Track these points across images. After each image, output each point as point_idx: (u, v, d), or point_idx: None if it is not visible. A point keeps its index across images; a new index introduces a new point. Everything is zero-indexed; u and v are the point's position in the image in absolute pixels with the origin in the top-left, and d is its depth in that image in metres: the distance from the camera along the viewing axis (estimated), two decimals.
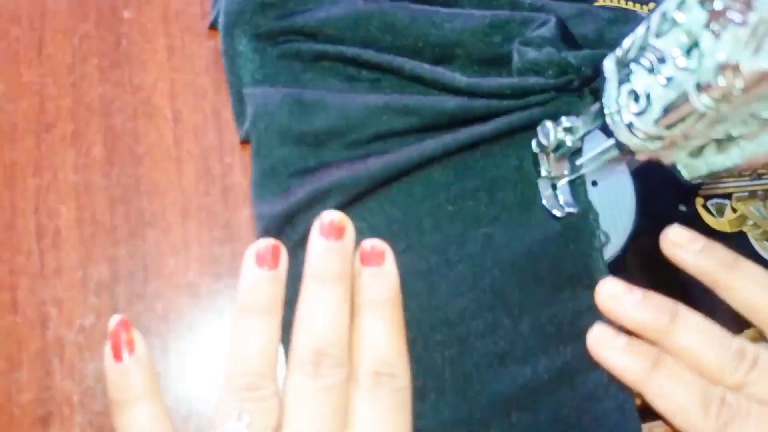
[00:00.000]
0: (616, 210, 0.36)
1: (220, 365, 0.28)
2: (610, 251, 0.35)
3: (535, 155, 0.34)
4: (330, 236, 0.26)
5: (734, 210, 0.37)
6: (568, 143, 0.32)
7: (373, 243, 0.27)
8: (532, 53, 0.33)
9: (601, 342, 0.29)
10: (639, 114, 0.24)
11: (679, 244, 0.31)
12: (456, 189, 0.32)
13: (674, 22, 0.22)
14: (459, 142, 0.30)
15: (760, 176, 0.38)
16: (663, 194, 0.37)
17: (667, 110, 0.23)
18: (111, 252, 0.29)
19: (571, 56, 0.34)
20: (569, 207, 0.34)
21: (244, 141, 0.29)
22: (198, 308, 0.29)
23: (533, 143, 0.34)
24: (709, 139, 0.23)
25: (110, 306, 0.28)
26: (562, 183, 0.34)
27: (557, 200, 0.34)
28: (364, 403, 0.25)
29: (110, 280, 0.28)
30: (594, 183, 0.36)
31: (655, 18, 0.23)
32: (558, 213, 0.33)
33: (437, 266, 0.31)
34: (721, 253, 0.30)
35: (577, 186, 0.34)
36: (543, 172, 0.34)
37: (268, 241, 0.26)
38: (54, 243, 0.28)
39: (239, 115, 0.31)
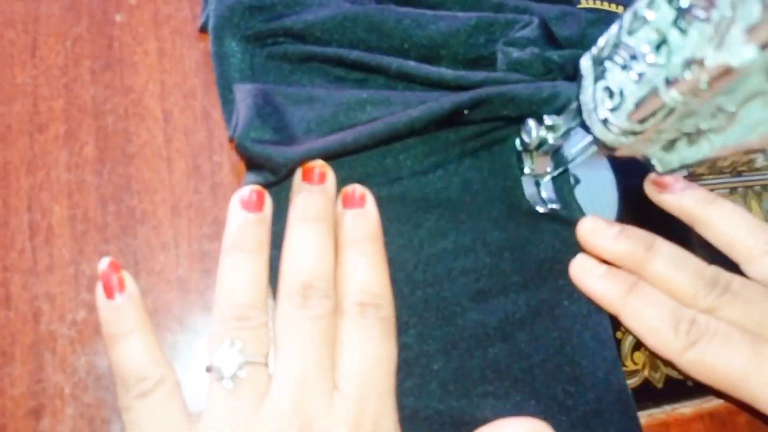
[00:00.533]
0: (599, 206, 0.36)
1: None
2: None
3: (518, 153, 0.35)
4: (312, 181, 0.28)
5: None
6: (550, 141, 0.33)
7: (354, 187, 0.29)
8: (516, 53, 0.34)
9: (582, 269, 0.32)
10: (613, 110, 0.25)
11: (663, 184, 0.34)
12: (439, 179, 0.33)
13: (645, 20, 0.23)
14: (443, 110, 0.31)
15: (739, 173, 0.39)
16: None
17: (638, 105, 0.24)
18: (102, 248, 0.29)
19: (555, 55, 0.34)
20: (552, 203, 0.34)
21: (233, 139, 0.29)
22: (188, 303, 0.29)
23: (516, 141, 0.35)
24: (680, 133, 0.24)
25: None
26: (546, 180, 0.35)
27: (541, 197, 0.35)
28: (352, 332, 0.26)
29: None
30: (577, 180, 0.37)
31: (627, 16, 0.24)
32: (541, 209, 0.34)
33: (419, 210, 0.32)
34: (700, 192, 0.33)
35: (561, 182, 0.35)
36: (526, 170, 0.35)
37: (253, 187, 0.28)
38: (47, 240, 0.29)
39: (228, 113, 0.31)
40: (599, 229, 0.32)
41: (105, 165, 0.30)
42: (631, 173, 0.38)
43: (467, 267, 0.31)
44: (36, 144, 0.30)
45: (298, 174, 0.29)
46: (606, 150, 0.27)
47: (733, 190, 0.39)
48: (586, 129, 0.28)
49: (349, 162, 0.31)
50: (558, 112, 0.32)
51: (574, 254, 0.33)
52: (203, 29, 0.33)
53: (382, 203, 0.30)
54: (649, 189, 0.34)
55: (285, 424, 0.24)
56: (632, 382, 0.33)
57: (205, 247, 0.30)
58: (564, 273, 0.33)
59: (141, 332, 0.25)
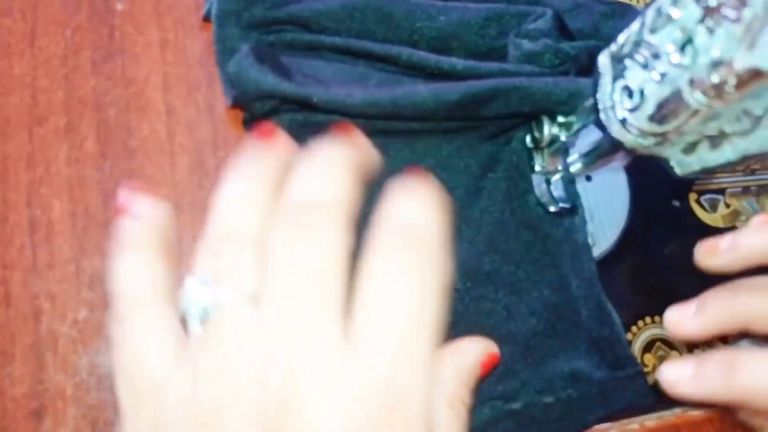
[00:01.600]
0: (609, 205, 0.36)
1: None
2: (603, 246, 0.35)
3: (529, 150, 0.34)
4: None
5: (727, 205, 0.37)
6: (563, 138, 0.32)
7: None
8: (527, 44, 0.33)
9: (672, 384, 0.28)
10: (633, 110, 0.24)
11: (712, 248, 0.30)
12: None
13: (669, 18, 0.22)
14: (453, 95, 0.30)
15: (753, 172, 0.39)
16: (657, 190, 0.37)
17: (660, 106, 0.23)
18: (104, 245, 0.29)
19: (568, 46, 0.34)
20: (563, 202, 0.34)
21: (234, 107, 0.29)
22: None
23: (527, 138, 0.34)
24: (701, 136, 0.24)
25: (103, 299, 0.28)
26: (556, 178, 0.34)
27: (551, 195, 0.34)
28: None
29: (103, 273, 0.28)
30: (588, 178, 0.36)
31: (650, 13, 0.23)
32: (552, 208, 0.33)
33: None
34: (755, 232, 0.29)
35: (568, 182, 0.34)
36: (537, 167, 0.34)
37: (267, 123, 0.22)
38: (47, 236, 0.28)
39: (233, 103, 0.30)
40: (678, 316, 0.29)
41: (106, 159, 0.30)
42: (642, 172, 0.37)
43: (471, 257, 0.31)
44: (35, 137, 0.29)
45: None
46: (622, 151, 0.27)
47: (746, 189, 0.38)
48: (602, 128, 0.28)
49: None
50: (574, 109, 0.31)
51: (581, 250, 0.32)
52: (206, 18, 0.32)
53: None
54: (704, 261, 0.30)
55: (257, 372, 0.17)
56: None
57: None
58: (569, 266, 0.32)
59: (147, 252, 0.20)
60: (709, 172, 0.24)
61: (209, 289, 0.18)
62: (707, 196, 0.37)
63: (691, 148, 0.24)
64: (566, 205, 0.33)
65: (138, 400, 0.18)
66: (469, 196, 0.33)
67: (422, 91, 0.29)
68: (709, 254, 0.29)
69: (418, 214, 0.19)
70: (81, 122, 0.30)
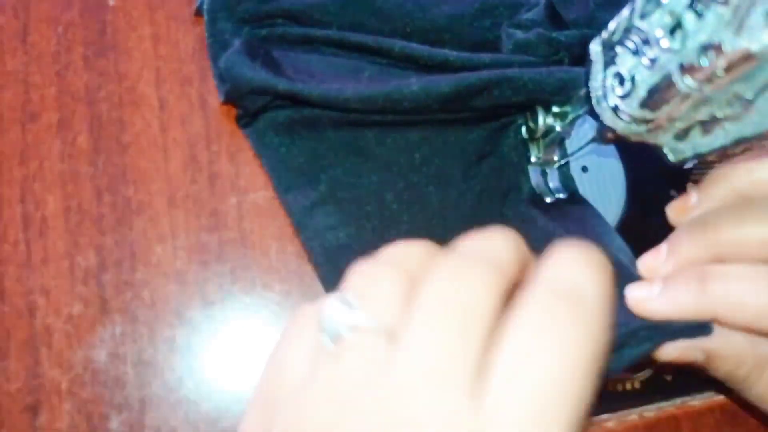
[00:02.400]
0: (606, 195, 0.36)
1: (207, 352, 0.28)
2: None
3: (524, 141, 0.34)
4: None
5: None
6: (558, 128, 0.32)
7: None
8: (520, 35, 0.33)
9: (641, 298, 0.25)
10: (624, 97, 0.24)
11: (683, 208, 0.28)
12: (433, 164, 0.32)
13: (658, 3, 0.22)
14: (446, 87, 0.30)
15: None
16: (653, 179, 0.37)
17: (651, 92, 0.23)
18: (98, 240, 0.29)
19: (561, 35, 0.33)
20: (559, 193, 0.33)
21: (226, 103, 0.29)
22: (185, 295, 0.29)
23: (522, 129, 0.34)
24: (694, 122, 0.23)
25: (97, 294, 0.28)
26: (552, 169, 0.34)
27: (547, 186, 0.34)
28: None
29: (97, 268, 0.28)
30: (584, 168, 0.36)
31: None
32: (548, 199, 0.33)
33: (418, 195, 0.32)
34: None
35: (565, 172, 0.34)
36: (533, 159, 0.34)
37: None
38: (41, 232, 0.28)
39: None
40: (643, 295, 0.25)
41: (99, 155, 0.30)
42: (639, 162, 0.37)
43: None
44: (28, 133, 0.30)
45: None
46: (615, 138, 0.26)
47: None
48: (595, 117, 0.28)
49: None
50: (569, 99, 0.31)
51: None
52: (199, 13, 0.32)
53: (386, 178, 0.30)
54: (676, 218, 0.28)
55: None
56: (642, 374, 0.33)
57: (204, 239, 0.30)
58: None
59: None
60: (701, 156, 0.24)
61: (351, 311, 0.17)
62: None
63: (683, 134, 0.24)
64: (562, 196, 0.33)
65: (271, 397, 0.18)
66: (463, 184, 0.33)
67: (414, 84, 0.29)
68: (680, 212, 0.28)
69: (586, 279, 0.17)
70: (74, 118, 0.30)
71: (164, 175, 0.30)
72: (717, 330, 0.24)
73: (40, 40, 0.31)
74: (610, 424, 0.31)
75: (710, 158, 0.23)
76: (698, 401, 0.33)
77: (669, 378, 0.33)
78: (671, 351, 0.25)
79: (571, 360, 0.15)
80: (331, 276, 0.29)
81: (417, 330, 0.16)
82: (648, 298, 0.25)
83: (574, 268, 0.17)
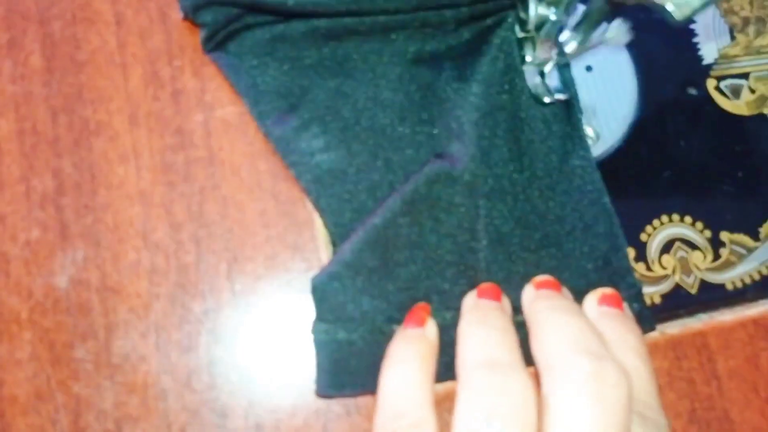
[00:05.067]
0: (615, 97, 0.32)
1: (176, 275, 0.26)
2: (609, 141, 0.31)
3: (519, 41, 0.31)
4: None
5: (752, 90, 0.33)
6: (552, 18, 0.29)
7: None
8: None
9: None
10: None
11: None
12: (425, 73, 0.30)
13: None
14: None
15: None
16: (669, 77, 0.33)
17: None
18: (55, 163, 0.27)
19: None
20: (559, 93, 0.30)
21: (187, 18, 0.26)
22: (151, 218, 0.26)
23: (516, 28, 0.31)
24: None
25: (56, 219, 0.26)
26: (549, 68, 0.30)
27: (546, 86, 0.30)
28: None
29: (55, 192, 0.26)
30: (588, 68, 0.32)
31: None
32: (547, 99, 0.30)
33: (412, 100, 0.29)
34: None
35: (564, 70, 0.31)
36: (528, 58, 0.31)
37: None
38: None
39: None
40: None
41: (53, 74, 0.28)
42: (651, 59, 0.33)
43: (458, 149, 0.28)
44: None
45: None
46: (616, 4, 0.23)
47: None
48: None
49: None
50: None
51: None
52: None
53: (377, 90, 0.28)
54: None
55: None
56: (661, 288, 0.29)
57: (169, 159, 0.27)
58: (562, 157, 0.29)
59: (419, 364, 0.23)
60: (710, 3, 0.21)
61: None
62: (728, 81, 0.33)
63: None
64: (562, 96, 0.30)
65: None
66: (456, 95, 0.30)
67: None
68: None
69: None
70: (25, 37, 0.28)
71: (124, 94, 0.28)
72: None
73: None
74: None
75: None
76: (727, 316, 0.29)
77: (693, 291, 0.29)
78: None
79: None
80: (323, 199, 0.27)
81: None
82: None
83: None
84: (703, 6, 0.21)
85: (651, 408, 0.22)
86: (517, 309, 0.26)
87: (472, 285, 0.27)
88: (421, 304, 0.26)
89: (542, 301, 0.25)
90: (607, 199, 0.29)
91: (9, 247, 0.26)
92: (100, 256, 0.26)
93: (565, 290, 0.27)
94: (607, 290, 0.26)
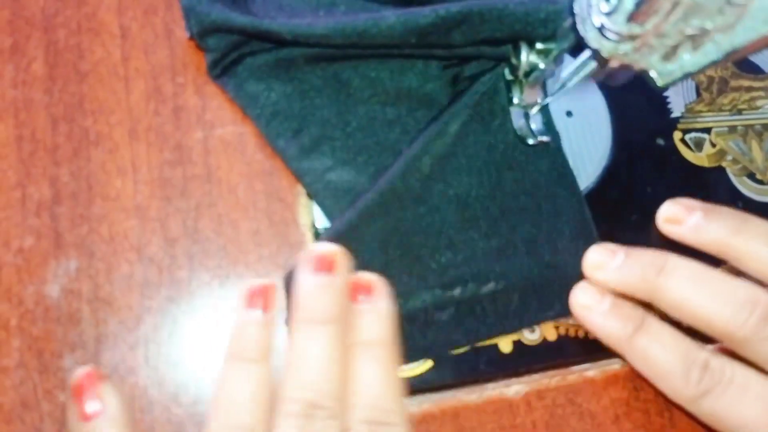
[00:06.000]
0: (591, 142, 0.34)
1: (168, 290, 0.27)
2: (585, 182, 0.33)
3: (507, 83, 0.33)
4: (319, 271, 0.24)
5: (713, 144, 0.36)
6: (541, 66, 0.31)
7: (365, 276, 0.25)
8: None
9: (583, 307, 0.28)
10: (610, 13, 0.23)
11: (676, 219, 0.29)
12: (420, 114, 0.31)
13: None
14: (424, 19, 0.28)
15: (740, 111, 0.37)
16: (640, 127, 0.35)
17: (639, 3, 0.21)
18: (52, 171, 0.27)
19: None
20: (542, 135, 0.32)
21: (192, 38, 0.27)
22: (146, 231, 0.27)
23: (505, 71, 0.33)
24: (682, 37, 0.22)
25: (51, 227, 0.26)
26: (535, 111, 0.32)
27: (530, 128, 0.32)
28: None
29: (51, 200, 0.27)
30: (569, 113, 0.34)
31: None
32: (530, 141, 0.32)
33: (403, 136, 0.30)
34: (723, 219, 0.27)
35: (546, 115, 0.33)
36: (515, 100, 0.33)
37: (261, 282, 0.25)
38: None
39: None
40: (603, 262, 0.28)
41: (55, 82, 0.28)
42: (625, 108, 0.35)
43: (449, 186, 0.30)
44: None
45: (304, 260, 0.25)
46: (602, 65, 0.25)
47: (732, 129, 0.37)
48: (579, 48, 0.26)
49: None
50: (554, 33, 0.29)
51: (560, 182, 0.31)
52: None
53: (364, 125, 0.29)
54: (665, 227, 0.29)
55: None
56: None
57: (166, 174, 0.28)
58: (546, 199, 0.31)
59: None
60: (691, 75, 0.23)
61: None
62: (692, 134, 0.36)
63: (671, 52, 0.23)
64: (545, 138, 0.32)
65: None
66: (442, 124, 0.31)
67: (390, 17, 0.28)
68: (598, 266, 0.29)
69: (379, 396, 0.23)
70: (28, 43, 0.28)
71: (125, 106, 0.28)
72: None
73: None
74: (591, 374, 0.30)
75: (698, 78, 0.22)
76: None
77: None
78: None
79: None
80: (337, 215, 0.29)
81: None
82: (606, 266, 0.28)
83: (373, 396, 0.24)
84: (683, 77, 0.23)
85: (381, 410, 0.23)
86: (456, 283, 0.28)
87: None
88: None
89: None
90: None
91: (1, 253, 0.26)
92: (93, 267, 0.26)
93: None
94: (360, 278, 0.26)
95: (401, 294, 0.28)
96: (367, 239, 0.28)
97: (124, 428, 0.22)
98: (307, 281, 0.24)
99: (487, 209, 0.30)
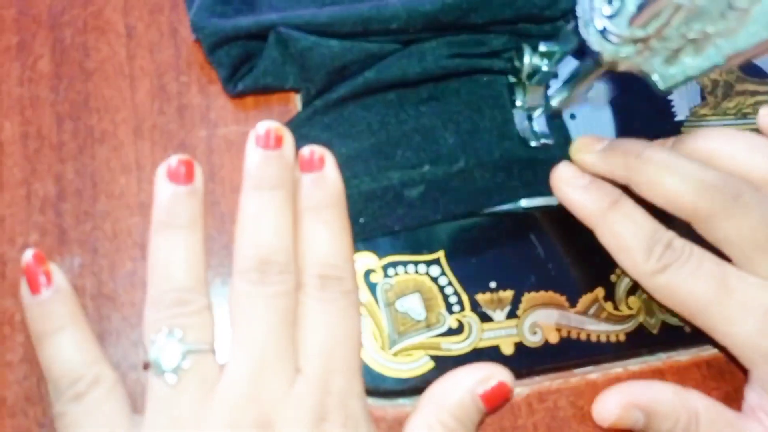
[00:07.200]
0: None
1: None
2: None
3: (510, 85, 0.33)
4: (267, 146, 0.26)
5: None
6: (544, 68, 0.31)
7: (311, 148, 0.27)
8: None
9: (562, 180, 0.29)
10: (612, 16, 0.23)
11: (585, 149, 0.30)
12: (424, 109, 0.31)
13: None
14: (431, 5, 0.28)
15: (744, 115, 0.37)
16: (644, 130, 0.35)
17: (641, 6, 0.21)
18: (57, 169, 0.27)
19: None
20: (545, 138, 0.32)
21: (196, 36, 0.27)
22: (150, 229, 0.27)
23: (509, 76, 0.33)
24: (684, 41, 0.22)
25: (56, 224, 0.26)
26: (538, 114, 0.33)
27: (533, 131, 0.32)
28: (312, 308, 0.24)
29: (56, 197, 0.27)
30: (572, 116, 0.34)
31: None
32: (533, 143, 0.32)
33: (402, 135, 0.30)
34: (625, 144, 0.29)
35: (553, 116, 0.33)
36: (518, 103, 0.33)
37: (180, 157, 0.25)
38: None
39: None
40: (588, 143, 0.30)
41: (61, 80, 0.28)
42: (629, 113, 0.35)
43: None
44: None
45: (252, 136, 0.26)
46: (604, 68, 0.25)
47: None
48: (581, 55, 0.26)
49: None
50: (557, 32, 0.29)
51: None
52: None
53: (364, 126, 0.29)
54: (576, 156, 0.30)
55: (239, 414, 0.22)
56: (626, 327, 0.31)
57: None
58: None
59: (72, 329, 0.23)
60: (693, 79, 0.23)
61: (179, 342, 0.22)
62: None
63: (673, 56, 0.23)
64: (548, 141, 0.32)
65: None
66: (445, 129, 0.31)
67: (395, 3, 0.28)
68: (582, 149, 0.30)
69: (329, 254, 0.25)
70: (35, 41, 0.28)
71: (130, 105, 0.28)
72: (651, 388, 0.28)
73: None
74: (594, 377, 0.30)
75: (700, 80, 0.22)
76: (684, 356, 0.32)
77: (654, 332, 0.32)
78: (611, 412, 0.27)
79: (338, 330, 0.24)
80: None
81: (239, 349, 0.24)
82: (591, 148, 0.29)
83: (323, 254, 0.25)
84: (685, 81, 0.23)
85: (331, 266, 0.25)
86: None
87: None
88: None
89: None
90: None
91: (6, 249, 0.26)
92: (96, 264, 0.26)
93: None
94: (305, 151, 0.27)
95: (369, 173, 0.28)
96: (335, 125, 0.28)
97: (72, 297, 0.24)
98: (255, 153, 0.26)
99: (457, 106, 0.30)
